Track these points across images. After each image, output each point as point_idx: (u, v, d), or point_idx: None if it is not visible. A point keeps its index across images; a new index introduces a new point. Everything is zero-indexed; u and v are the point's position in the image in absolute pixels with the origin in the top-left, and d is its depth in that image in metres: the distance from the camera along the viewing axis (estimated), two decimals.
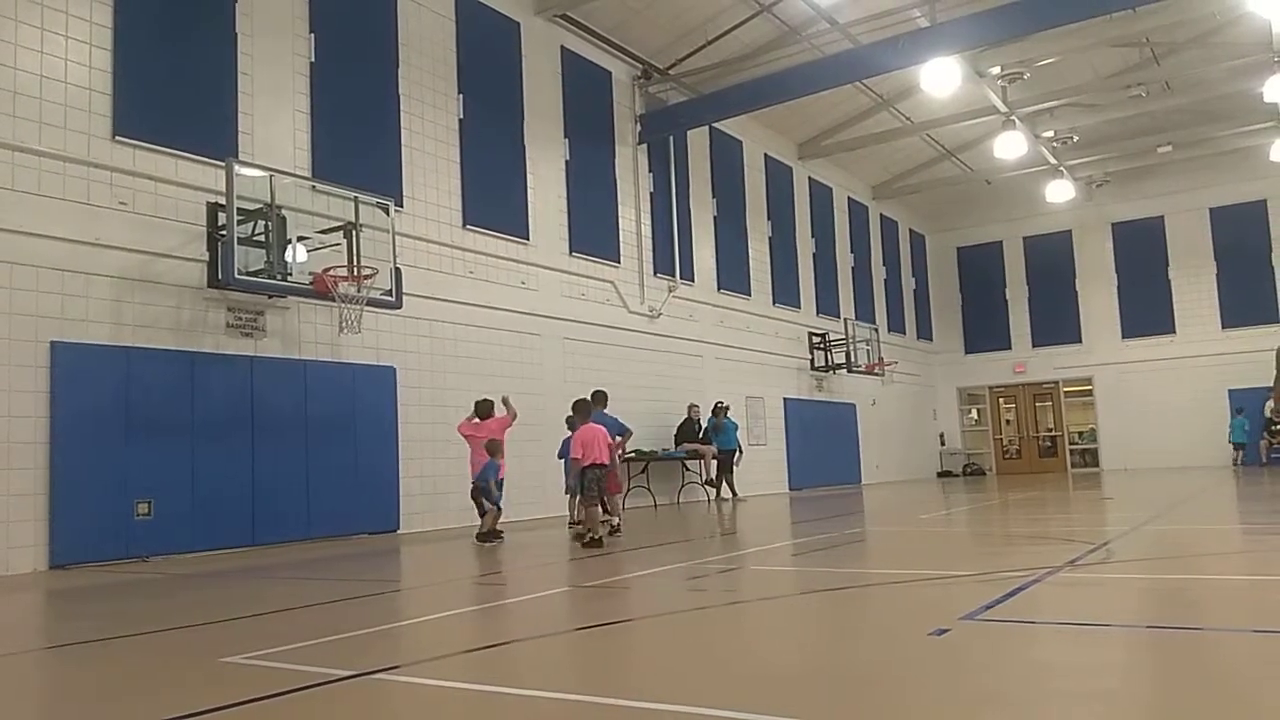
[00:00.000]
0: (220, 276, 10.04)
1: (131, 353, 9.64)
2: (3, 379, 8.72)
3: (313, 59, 11.81)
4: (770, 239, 21.28)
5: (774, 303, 21.14)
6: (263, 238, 10.27)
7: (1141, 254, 26.37)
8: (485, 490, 10.23)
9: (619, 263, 16.66)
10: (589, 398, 10.69)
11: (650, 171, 17.67)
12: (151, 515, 9.57)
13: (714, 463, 16.96)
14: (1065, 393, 28.02)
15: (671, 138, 18.11)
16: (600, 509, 9.48)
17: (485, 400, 10.81)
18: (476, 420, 10.67)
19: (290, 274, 10.41)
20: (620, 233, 16.79)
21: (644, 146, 17.54)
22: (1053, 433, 28.44)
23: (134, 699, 3.73)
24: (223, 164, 10.03)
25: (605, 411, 11.37)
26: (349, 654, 4.36)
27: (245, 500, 10.43)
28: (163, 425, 9.79)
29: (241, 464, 10.45)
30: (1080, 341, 27.26)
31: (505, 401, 10.71)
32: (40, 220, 9.12)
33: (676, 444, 16.74)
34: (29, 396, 8.89)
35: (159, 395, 9.80)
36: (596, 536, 9.14)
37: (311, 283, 10.53)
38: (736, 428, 17.62)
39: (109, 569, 8.88)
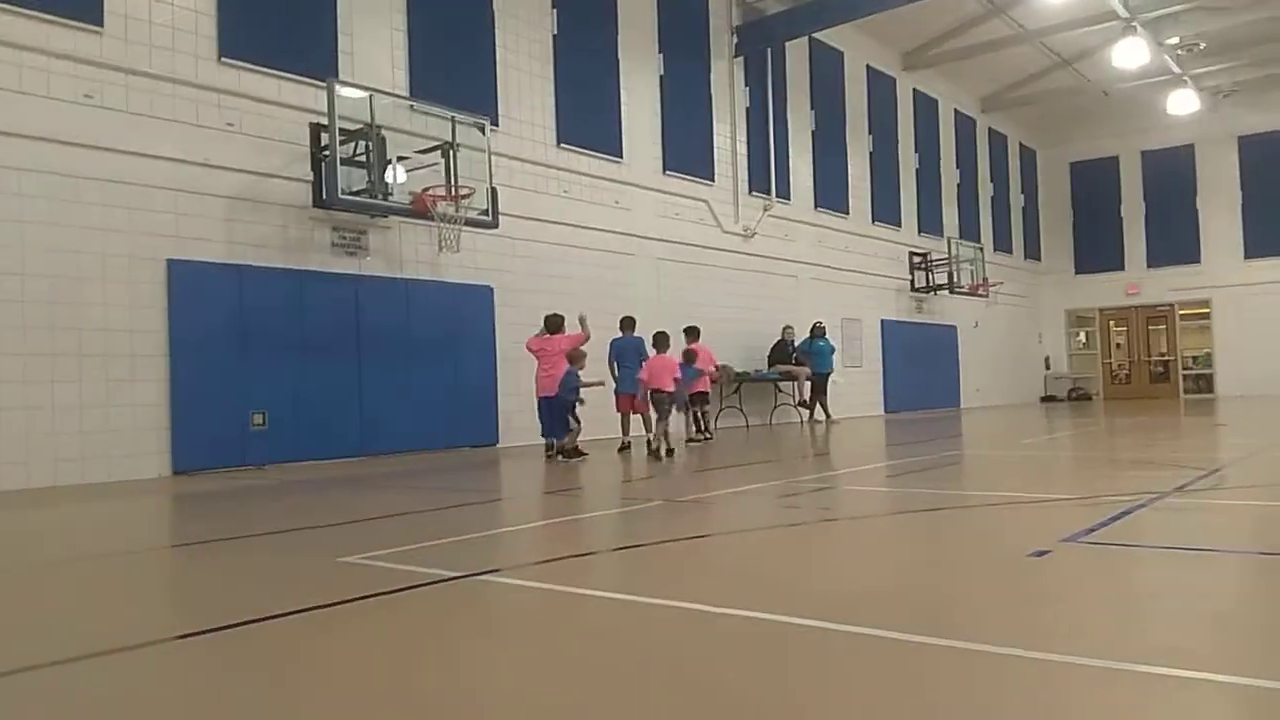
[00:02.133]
0: (324, 196, 10.30)
1: (243, 270, 10.01)
2: (125, 296, 9.18)
3: None
4: (871, 155, 20.67)
5: (873, 221, 20.64)
6: (363, 158, 10.46)
7: (1270, 169, 24.75)
8: (569, 404, 10.34)
9: (713, 181, 16.44)
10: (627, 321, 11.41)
11: (746, 86, 17.26)
12: (266, 426, 10.05)
13: (807, 384, 16.86)
14: (1180, 315, 26.82)
15: (769, 50, 17.60)
16: (665, 425, 10.63)
17: (555, 315, 10.71)
18: (546, 335, 10.62)
19: (391, 194, 10.59)
20: (715, 150, 16.53)
21: (740, 60, 17.12)
22: (1166, 357, 27.33)
23: (260, 593, 3.97)
24: (324, 84, 10.19)
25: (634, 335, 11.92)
26: (456, 556, 4.54)
27: (353, 413, 10.85)
28: (274, 340, 10.20)
29: (348, 378, 10.84)
30: (1199, 262, 25.95)
31: (582, 320, 10.53)
32: (153, 142, 9.45)
33: (770, 365, 16.67)
34: (149, 312, 9.34)
35: (270, 312, 10.19)
36: (663, 448, 10.41)
37: (411, 202, 10.70)
38: (833, 350, 17.43)
39: (227, 475, 9.39)
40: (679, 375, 11.07)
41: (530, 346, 10.84)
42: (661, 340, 11.32)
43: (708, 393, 13.12)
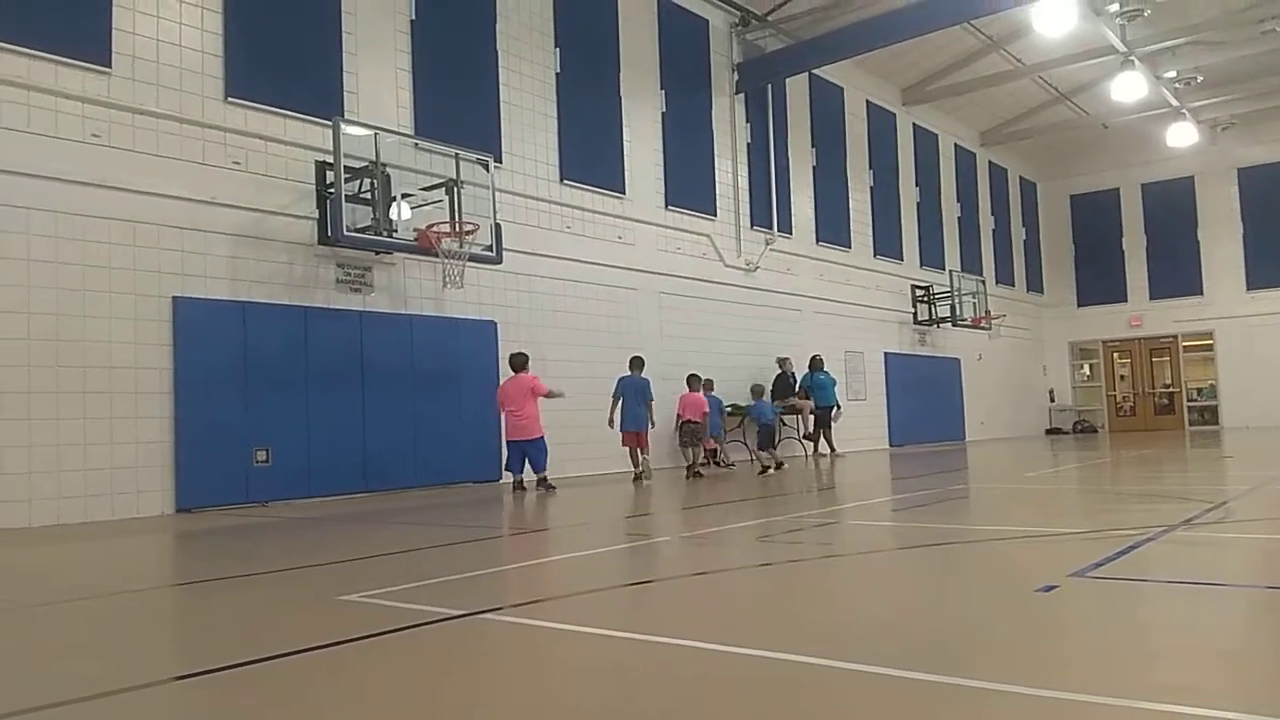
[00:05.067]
0: (330, 233, 10.36)
1: (248, 307, 10.04)
2: (130, 332, 9.21)
3: (413, 16, 11.95)
4: (872, 189, 20.79)
5: (875, 255, 20.70)
6: (369, 195, 10.53)
7: (1270, 200, 24.84)
8: (772, 426, 13.16)
9: (715, 216, 16.52)
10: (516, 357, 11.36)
11: (748, 122, 17.40)
12: (270, 462, 10.03)
13: (811, 418, 16.81)
14: (1184, 347, 26.78)
15: (770, 86, 17.77)
16: (697, 451, 12.95)
17: (520, 353, 11.24)
18: (511, 375, 11.12)
19: (395, 230, 10.66)
20: (717, 185, 16.63)
21: (741, 96, 17.27)
22: (1170, 389, 27.26)
23: (260, 632, 3.94)
24: (330, 123, 10.29)
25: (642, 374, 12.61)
26: (457, 595, 4.51)
27: (357, 449, 10.83)
28: (279, 377, 10.21)
29: (353, 414, 10.83)
30: (1201, 294, 25.96)
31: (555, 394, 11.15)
32: (160, 180, 9.53)
33: (773, 399, 16.61)
34: (154, 349, 9.36)
35: (275, 348, 10.21)
36: (696, 468, 12.64)
37: (416, 239, 10.76)
38: (835, 383, 17.40)
39: (231, 513, 9.36)
40: (707, 410, 13.18)
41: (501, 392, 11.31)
42: (694, 380, 13.20)
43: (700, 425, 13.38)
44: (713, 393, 14.29)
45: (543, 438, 11.06)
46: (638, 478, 11.95)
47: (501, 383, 11.42)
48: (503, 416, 11.22)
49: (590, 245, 14.06)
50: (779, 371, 16.70)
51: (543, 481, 10.89)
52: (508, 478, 11.19)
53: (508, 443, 11.18)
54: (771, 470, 12.98)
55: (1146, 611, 3.94)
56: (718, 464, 14.53)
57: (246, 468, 9.88)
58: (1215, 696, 2.66)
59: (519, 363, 11.13)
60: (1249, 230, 25.34)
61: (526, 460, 11.02)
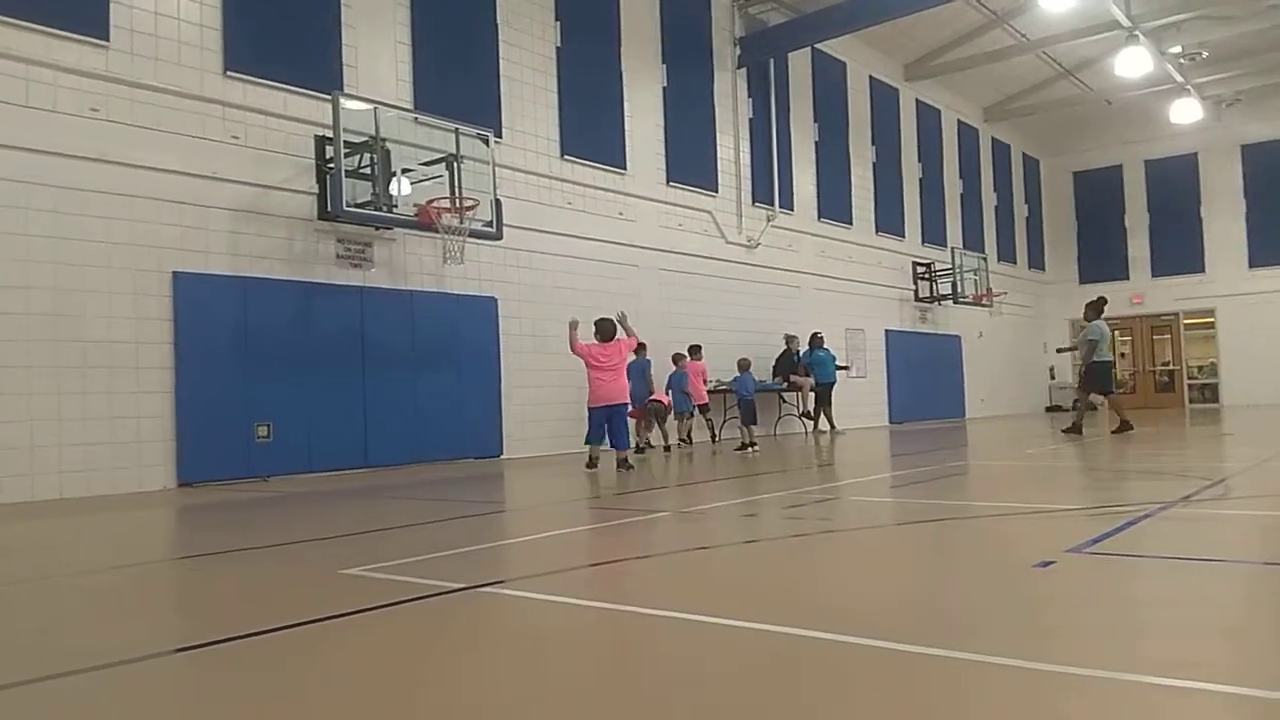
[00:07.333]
0: (330, 209, 10.33)
1: (248, 282, 10.04)
2: (131, 307, 9.21)
3: None
4: (874, 165, 20.70)
5: (877, 232, 20.65)
6: (368, 170, 10.49)
7: (1274, 178, 24.76)
8: (751, 405, 13.14)
9: (716, 192, 16.47)
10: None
11: (749, 97, 17.31)
12: (270, 438, 10.06)
13: (811, 395, 16.84)
14: (1185, 325, 26.76)
15: (772, 61, 17.67)
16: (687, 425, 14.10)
17: (606, 320, 10.15)
18: (597, 341, 10.06)
19: (395, 206, 10.63)
20: (718, 161, 16.57)
21: (743, 71, 17.17)
22: (1170, 366, 27.26)
23: (262, 605, 3.96)
24: (329, 97, 10.23)
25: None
26: (459, 568, 4.53)
27: (357, 424, 10.85)
28: (279, 352, 10.22)
29: (353, 390, 10.85)
30: (1203, 271, 25.92)
31: (622, 322, 10.10)
32: (159, 155, 9.49)
33: (774, 375, 16.64)
34: (154, 324, 9.36)
35: (275, 323, 10.21)
36: (655, 445, 13.12)
37: (416, 214, 10.73)
38: (835, 359, 17.42)
39: (232, 488, 9.39)
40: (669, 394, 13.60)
41: (585, 352, 10.04)
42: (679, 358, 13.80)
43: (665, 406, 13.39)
44: (698, 359, 14.10)
45: (628, 404, 10.51)
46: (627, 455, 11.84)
47: (587, 346, 10.05)
48: (591, 380, 10.06)
49: (591, 221, 14.03)
50: (784, 348, 16.71)
51: (624, 462, 9.91)
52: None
53: (592, 410, 10.08)
54: (749, 450, 12.29)
55: (1143, 587, 3.96)
56: (683, 440, 14.18)
57: (247, 443, 9.91)
58: (1211, 670, 2.68)
59: (610, 330, 10.07)
60: (1252, 208, 25.26)
61: (608, 430, 10.06)
